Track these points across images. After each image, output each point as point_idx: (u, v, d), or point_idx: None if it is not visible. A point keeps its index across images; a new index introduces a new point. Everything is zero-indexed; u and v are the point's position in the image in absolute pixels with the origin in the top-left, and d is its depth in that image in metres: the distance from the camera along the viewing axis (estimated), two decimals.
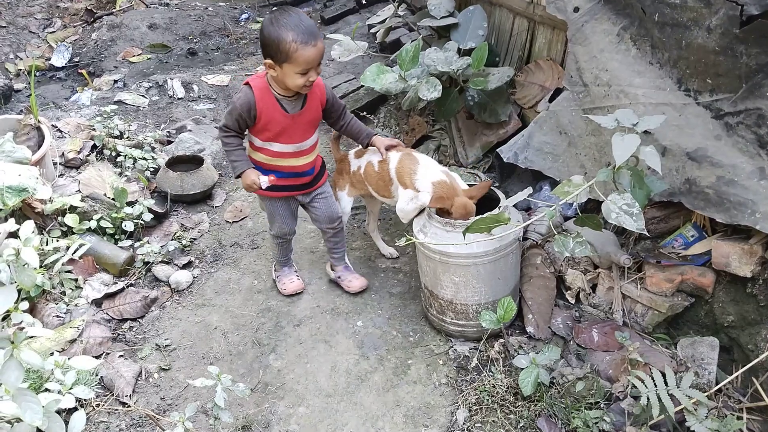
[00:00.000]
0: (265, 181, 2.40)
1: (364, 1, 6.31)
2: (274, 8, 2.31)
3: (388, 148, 2.59)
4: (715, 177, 2.17)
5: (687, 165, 2.25)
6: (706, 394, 1.98)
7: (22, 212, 2.83)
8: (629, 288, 2.45)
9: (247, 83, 2.31)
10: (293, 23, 2.12)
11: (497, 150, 3.13)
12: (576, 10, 2.64)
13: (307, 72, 2.18)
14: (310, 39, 2.13)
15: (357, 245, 3.20)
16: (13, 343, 1.32)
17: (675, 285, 2.36)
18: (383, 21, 4.57)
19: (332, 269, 2.91)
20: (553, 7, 2.75)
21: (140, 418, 2.27)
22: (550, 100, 2.99)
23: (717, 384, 2.11)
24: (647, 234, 1.96)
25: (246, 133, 2.45)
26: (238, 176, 2.43)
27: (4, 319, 1.30)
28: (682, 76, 2.24)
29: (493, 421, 2.18)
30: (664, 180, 2.23)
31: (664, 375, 2.03)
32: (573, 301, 2.62)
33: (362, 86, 4.29)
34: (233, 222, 3.41)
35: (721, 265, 2.25)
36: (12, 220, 1.26)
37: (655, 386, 2.00)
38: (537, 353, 2.25)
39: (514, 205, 2.43)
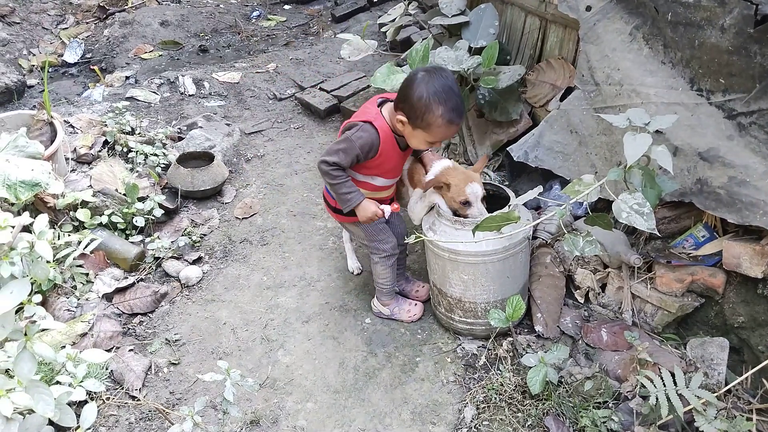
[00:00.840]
0: (388, 210, 2.34)
1: None
2: (432, 67, 2.18)
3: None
4: (726, 177, 2.16)
5: (699, 165, 2.24)
6: (715, 394, 1.97)
7: (35, 207, 2.86)
8: (639, 288, 2.44)
9: (370, 122, 2.20)
10: (447, 95, 2.06)
11: (507, 149, 3.13)
12: (588, 8, 2.63)
13: (435, 143, 2.18)
14: (457, 119, 2.10)
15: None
16: (26, 335, 1.33)
17: (685, 285, 2.35)
18: (394, 20, 4.57)
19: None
20: (565, 5, 2.74)
21: (149, 411, 2.28)
22: (561, 99, 2.98)
23: (726, 385, 2.10)
24: (658, 234, 1.95)
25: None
26: (351, 210, 2.31)
27: (17, 311, 1.31)
28: (695, 75, 2.23)
29: (501, 419, 2.18)
30: (675, 180, 2.22)
31: (673, 375, 2.02)
32: (582, 301, 2.62)
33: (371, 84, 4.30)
34: (243, 218, 3.43)
35: (732, 266, 2.24)
36: (26, 214, 1.28)
37: (664, 386, 1.99)
38: (545, 352, 2.25)
39: (523, 204, 2.43)
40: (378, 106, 2.28)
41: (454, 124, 2.10)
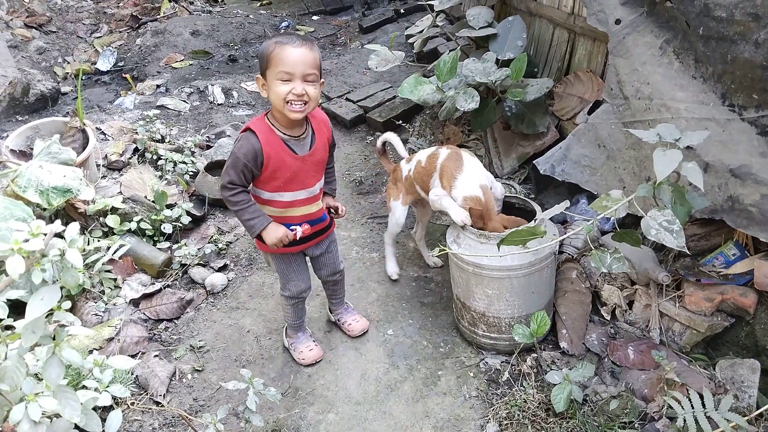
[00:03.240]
0: (299, 231, 2.22)
1: (402, 11, 6.34)
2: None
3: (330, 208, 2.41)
4: (759, 195, 2.11)
5: (730, 182, 2.20)
6: (746, 418, 1.92)
7: (66, 212, 2.92)
8: (667, 306, 2.40)
9: (246, 129, 2.07)
10: (282, 36, 2.02)
11: (534, 162, 3.11)
12: (618, 22, 2.60)
13: (289, 80, 1.96)
14: (291, 40, 1.97)
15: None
16: (54, 340, 1.36)
17: (715, 304, 2.30)
18: (421, 31, 4.59)
19: (331, 312, 2.76)
20: (594, 18, 2.72)
21: (173, 417, 2.30)
22: (589, 113, 2.96)
23: (758, 408, 2.04)
24: (687, 252, 1.92)
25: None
26: (258, 235, 2.16)
27: (47, 316, 1.34)
28: (727, 90, 2.19)
29: None
30: (705, 197, 2.18)
31: (701, 397, 1.98)
32: (608, 318, 2.58)
33: (398, 95, 4.31)
34: None
35: (764, 286, 2.19)
36: (58, 221, 1.30)
37: (693, 408, 1.94)
38: (570, 369, 2.21)
39: (550, 218, 2.40)
40: (264, 116, 2.13)
41: (290, 44, 1.95)
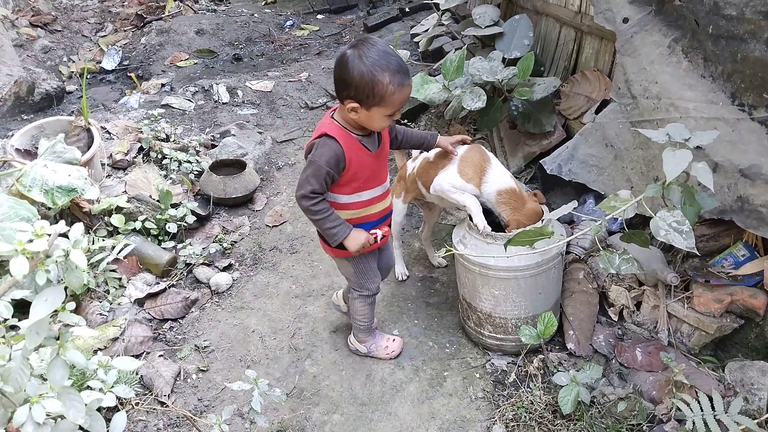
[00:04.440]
0: (380, 234, 2.19)
1: (407, 9, 6.32)
2: (356, 40, 1.96)
3: (455, 144, 2.41)
4: None
5: (740, 182, 2.18)
6: (756, 421, 1.89)
7: (71, 211, 2.91)
8: (675, 307, 2.38)
9: (324, 134, 2.00)
10: (386, 61, 1.86)
11: (540, 161, 3.08)
12: (625, 20, 2.58)
13: (395, 113, 1.98)
14: (406, 78, 1.90)
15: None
16: (59, 341, 1.35)
17: (724, 306, 2.28)
18: (426, 30, 4.56)
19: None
20: (602, 17, 2.70)
21: (177, 418, 2.29)
22: (597, 112, 2.93)
23: None
24: (696, 252, 1.89)
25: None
26: (340, 244, 2.11)
27: (51, 317, 1.32)
28: (736, 90, 2.17)
29: None
30: (715, 197, 2.16)
31: (711, 399, 1.96)
32: (616, 319, 2.56)
33: None
34: (273, 226, 3.44)
35: None
36: (62, 222, 1.29)
37: (702, 410, 1.92)
38: (577, 371, 2.20)
39: (557, 218, 2.38)
40: (330, 117, 2.07)
41: (406, 84, 1.90)
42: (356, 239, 2.10)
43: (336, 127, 2.01)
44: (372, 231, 2.17)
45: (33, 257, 1.23)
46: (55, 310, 1.32)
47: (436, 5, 3.93)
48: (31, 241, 1.23)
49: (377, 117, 1.94)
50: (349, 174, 2.05)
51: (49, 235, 1.26)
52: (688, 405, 1.95)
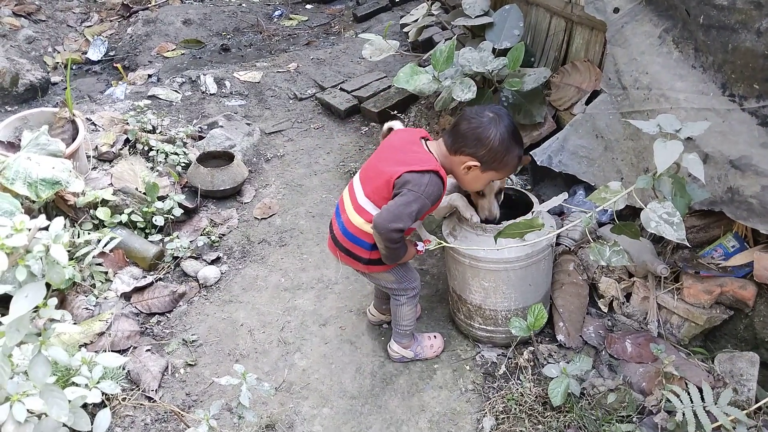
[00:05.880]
0: (422, 247, 2.20)
1: None
2: (493, 111, 2.07)
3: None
4: (759, 186, 2.09)
5: (730, 173, 2.17)
6: (745, 411, 1.90)
7: (55, 205, 2.86)
8: (665, 298, 2.38)
9: (436, 172, 2.00)
10: (517, 134, 2.04)
11: (531, 152, 3.07)
12: (616, 10, 2.56)
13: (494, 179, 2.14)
14: (523, 151, 2.09)
15: None
16: (40, 338, 1.32)
17: (714, 297, 2.28)
18: (416, 20, 4.52)
19: (383, 313, 2.67)
20: (592, 7, 2.68)
21: (165, 413, 2.27)
22: (587, 103, 2.92)
23: (757, 402, 2.02)
24: (687, 244, 1.89)
25: None
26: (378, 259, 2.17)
27: (34, 311, 1.30)
28: (727, 80, 2.16)
29: (521, 431, 2.13)
30: (705, 188, 2.15)
31: (700, 390, 1.96)
32: (606, 310, 2.56)
33: (392, 85, 4.26)
34: (262, 219, 3.41)
35: (763, 278, 2.17)
36: (43, 216, 1.26)
37: (691, 402, 1.93)
38: (567, 362, 2.20)
39: (547, 210, 2.37)
40: (427, 147, 2.11)
41: (521, 157, 2.09)
42: (408, 256, 2.19)
43: (440, 166, 2.05)
44: (420, 247, 2.19)
45: (12, 252, 1.20)
46: (38, 306, 1.30)
47: None
48: (10, 235, 1.20)
49: (485, 179, 2.09)
50: (431, 209, 2.08)
51: (30, 229, 1.23)
52: (677, 396, 1.95)
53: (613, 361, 2.34)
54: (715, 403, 1.91)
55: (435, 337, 2.54)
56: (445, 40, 3.50)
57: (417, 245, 2.19)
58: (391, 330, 2.58)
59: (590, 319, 2.52)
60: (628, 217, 2.59)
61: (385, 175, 2.02)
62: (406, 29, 5.06)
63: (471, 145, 2.01)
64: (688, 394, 1.95)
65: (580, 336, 2.44)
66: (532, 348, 2.40)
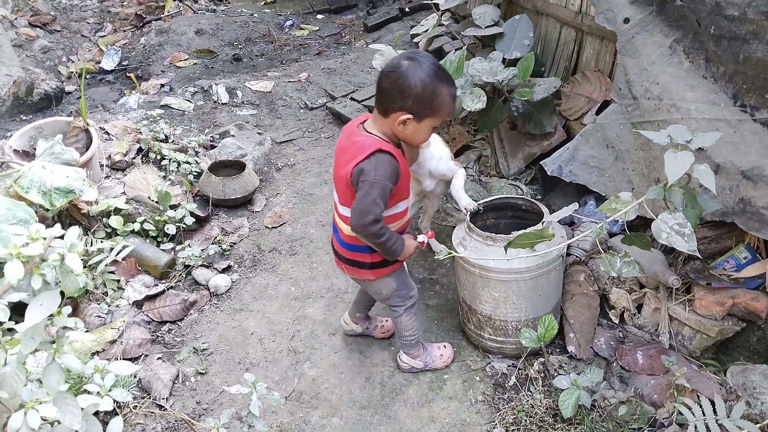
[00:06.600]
0: (424, 239, 2.17)
1: (407, 9, 6.31)
2: (408, 53, 1.97)
3: None
4: None
5: (741, 184, 2.16)
6: (758, 425, 1.88)
7: (69, 213, 2.90)
8: (677, 310, 2.36)
9: (380, 150, 1.91)
10: (441, 72, 1.90)
11: (541, 162, 3.07)
12: (626, 21, 2.57)
13: (440, 125, 1.99)
14: (456, 90, 1.95)
15: None
16: (54, 345, 1.33)
17: (726, 308, 2.26)
18: (426, 30, 4.54)
19: (356, 322, 2.64)
20: (602, 17, 2.68)
21: (176, 421, 2.28)
22: (597, 113, 2.92)
23: None
24: (698, 255, 1.88)
25: None
26: (382, 262, 2.13)
27: (48, 319, 1.31)
28: (738, 91, 2.16)
29: None
30: (717, 199, 2.14)
31: (713, 403, 1.95)
32: (617, 321, 2.54)
33: None
34: (272, 228, 3.43)
35: None
36: (58, 225, 1.28)
37: (704, 415, 1.91)
38: (578, 374, 2.18)
39: (557, 220, 2.37)
40: (364, 131, 2.00)
41: (455, 97, 1.95)
42: (408, 249, 2.10)
43: (385, 143, 1.94)
44: (420, 239, 2.16)
45: (28, 261, 1.22)
46: (52, 314, 1.31)
47: (436, 5, 3.91)
48: (26, 244, 1.22)
49: (425, 129, 1.95)
50: (398, 186, 1.99)
51: (45, 238, 1.24)
52: (689, 409, 1.93)
53: (624, 373, 2.32)
54: (728, 417, 1.90)
55: (445, 347, 2.52)
56: (455, 50, 3.51)
57: (417, 238, 2.17)
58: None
59: (601, 330, 2.50)
60: (639, 228, 2.58)
61: (343, 179, 1.98)
62: (416, 39, 5.09)
63: (397, 100, 1.88)
64: (700, 406, 1.94)
65: (591, 347, 2.43)
66: (542, 359, 2.39)
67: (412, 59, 1.87)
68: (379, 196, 1.90)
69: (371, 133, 1.97)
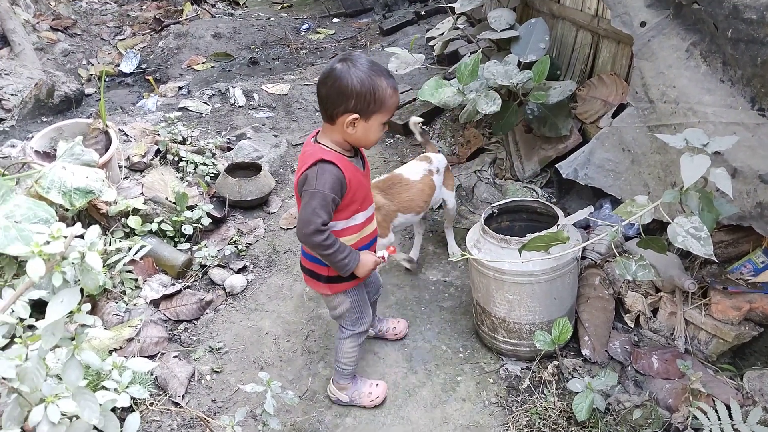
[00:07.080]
0: (386, 254, 2.12)
1: (422, 13, 6.32)
2: (341, 56, 1.89)
3: None
4: None
5: (759, 188, 2.15)
6: None
7: (88, 213, 2.94)
8: (693, 314, 2.35)
9: (321, 160, 1.87)
10: (377, 67, 1.86)
11: (556, 165, 3.06)
12: (643, 24, 2.56)
13: (389, 120, 1.94)
14: (395, 82, 1.90)
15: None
16: (74, 341, 1.36)
17: (742, 313, 2.24)
18: (442, 33, 4.56)
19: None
20: (619, 21, 2.68)
21: (191, 419, 2.31)
22: (614, 116, 2.91)
23: None
24: (715, 259, 1.87)
25: None
26: (336, 277, 2.06)
27: (67, 317, 1.34)
28: (756, 94, 2.14)
29: None
30: (733, 203, 2.13)
31: (728, 408, 1.93)
32: (632, 325, 2.53)
33: (417, 97, 4.29)
34: (288, 229, 3.45)
35: None
36: (78, 224, 1.30)
37: (719, 420, 1.90)
38: (593, 377, 2.17)
39: (573, 223, 2.36)
40: (316, 143, 1.96)
41: (396, 89, 1.90)
42: (365, 264, 2.03)
43: (330, 153, 1.91)
44: (380, 254, 2.12)
45: (49, 259, 1.25)
46: (71, 311, 1.34)
47: (452, 9, 3.92)
48: (47, 243, 1.25)
49: (375, 126, 1.90)
50: (348, 197, 1.94)
51: (66, 237, 1.27)
52: (705, 414, 1.92)
53: (639, 377, 2.31)
54: (744, 422, 1.88)
55: (377, 385, 2.37)
56: (471, 53, 3.52)
57: (377, 253, 2.12)
58: (414, 343, 2.58)
59: (616, 333, 2.49)
60: (654, 232, 2.56)
61: (295, 192, 1.99)
62: (431, 43, 5.11)
63: (339, 102, 1.85)
64: (716, 411, 1.92)
65: (606, 351, 2.42)
66: (556, 362, 2.38)
67: (344, 60, 1.86)
68: (320, 206, 1.86)
69: (320, 143, 1.95)
